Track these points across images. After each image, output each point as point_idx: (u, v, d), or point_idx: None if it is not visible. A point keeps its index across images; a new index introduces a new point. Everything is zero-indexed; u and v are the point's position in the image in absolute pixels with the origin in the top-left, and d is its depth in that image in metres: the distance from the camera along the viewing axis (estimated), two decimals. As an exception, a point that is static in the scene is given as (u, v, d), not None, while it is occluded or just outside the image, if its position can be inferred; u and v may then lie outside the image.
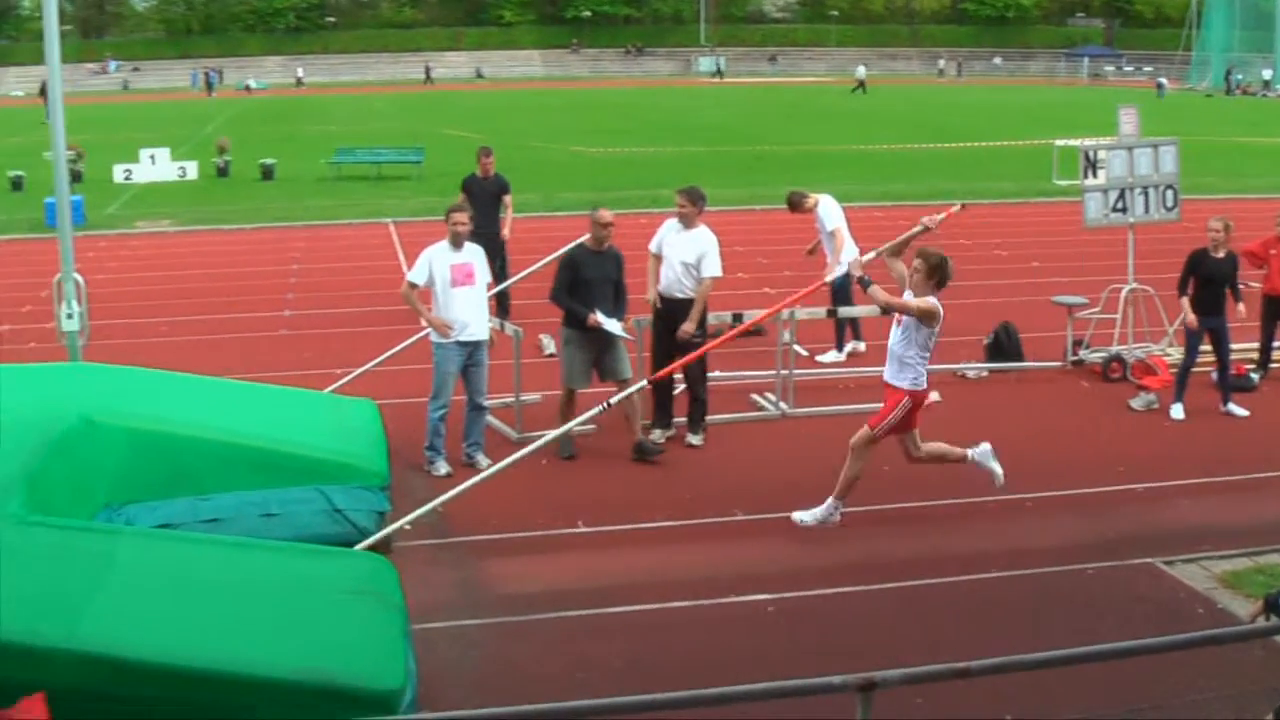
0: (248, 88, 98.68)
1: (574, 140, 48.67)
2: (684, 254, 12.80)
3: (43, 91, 68.19)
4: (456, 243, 12.31)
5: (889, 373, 10.46)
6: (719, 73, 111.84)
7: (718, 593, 9.58)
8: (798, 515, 10.77)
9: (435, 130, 53.10)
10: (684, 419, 13.33)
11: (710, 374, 13.68)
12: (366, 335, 17.27)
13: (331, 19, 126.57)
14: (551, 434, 11.57)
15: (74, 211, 13.69)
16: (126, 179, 37.25)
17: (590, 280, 12.53)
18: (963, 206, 11.38)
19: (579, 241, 12.97)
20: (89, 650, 6.22)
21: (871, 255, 10.77)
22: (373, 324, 18.35)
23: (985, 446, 10.96)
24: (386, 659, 6.71)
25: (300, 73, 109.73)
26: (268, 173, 37.33)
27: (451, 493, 10.18)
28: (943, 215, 10.93)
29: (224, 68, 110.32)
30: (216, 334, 18.49)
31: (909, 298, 10.34)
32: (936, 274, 10.19)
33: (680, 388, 13.45)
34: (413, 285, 12.34)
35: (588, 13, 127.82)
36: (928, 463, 10.94)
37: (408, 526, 9.87)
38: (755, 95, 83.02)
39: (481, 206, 17.31)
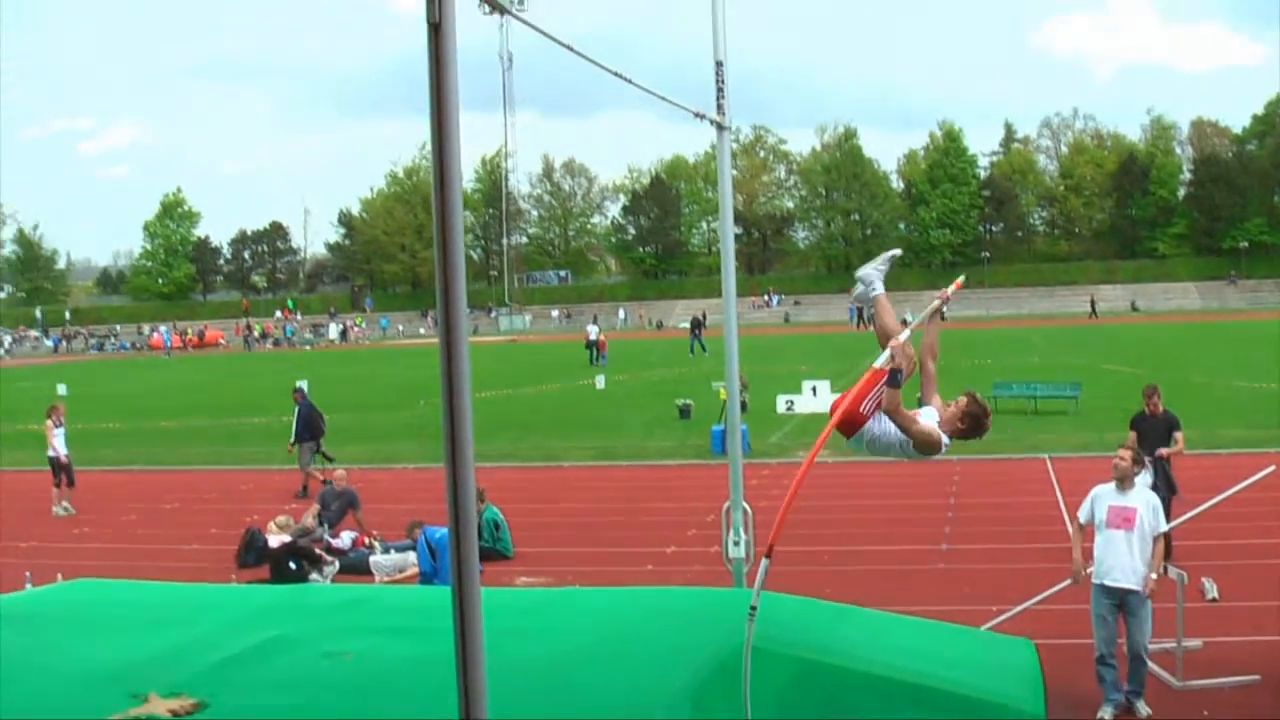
0: (904, 321, 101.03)
1: (1234, 374, 46.64)
2: None
3: (694, 326, 73.20)
4: (1120, 482, 12.11)
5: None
6: None
7: None
8: None
9: (1092, 364, 52.33)
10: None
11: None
12: (1024, 572, 17.08)
13: (986, 254, 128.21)
14: None
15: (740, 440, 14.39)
16: (788, 409, 38.79)
17: None
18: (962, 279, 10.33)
19: None
20: None
21: (906, 336, 9.64)
22: (1030, 561, 18.11)
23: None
24: None
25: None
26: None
27: None
28: (952, 287, 9.92)
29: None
30: (873, 564, 18.77)
31: (929, 416, 9.32)
32: (967, 420, 9.36)
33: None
34: (1080, 523, 12.34)
35: (1245, 243, 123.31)
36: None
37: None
38: None
39: (1152, 445, 17.07)
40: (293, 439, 27.70)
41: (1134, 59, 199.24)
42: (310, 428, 27.57)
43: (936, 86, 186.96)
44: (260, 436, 37.79)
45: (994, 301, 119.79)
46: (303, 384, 29.90)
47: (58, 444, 26.14)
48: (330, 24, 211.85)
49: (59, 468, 26.16)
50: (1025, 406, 37.33)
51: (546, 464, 30.66)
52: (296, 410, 27.80)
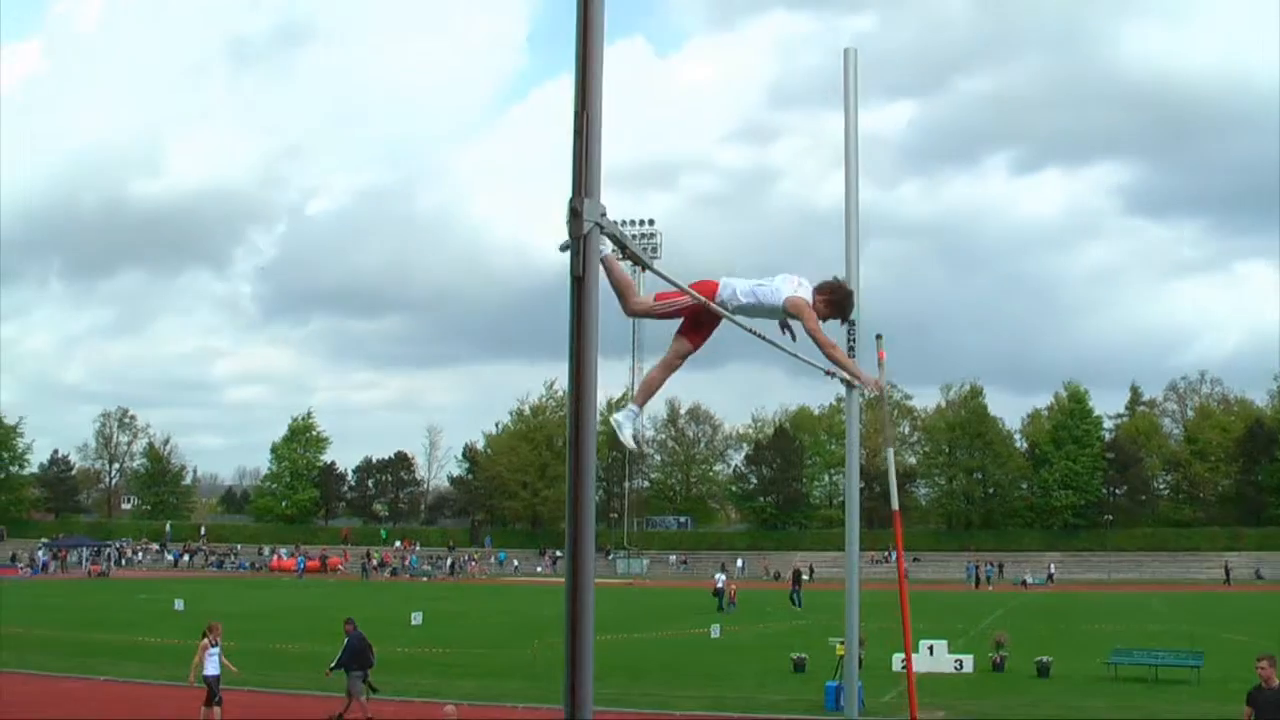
0: (1024, 583, 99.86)
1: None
2: None
3: (795, 578, 73.81)
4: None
5: None
6: None
7: None
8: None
9: (1214, 633, 51.18)
10: None
11: None
12: None
13: (1109, 516, 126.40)
14: None
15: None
16: (904, 667, 38.27)
17: None
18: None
19: None
20: None
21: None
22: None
23: None
24: None
25: (1051, 569, 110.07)
26: (1043, 670, 37.23)
27: None
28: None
29: (1001, 561, 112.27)
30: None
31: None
32: (833, 308, 9.91)
33: None
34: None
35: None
36: None
37: None
38: None
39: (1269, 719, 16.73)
40: (332, 664, 27.51)
41: (1261, 323, 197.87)
42: (359, 659, 27.49)
43: (1062, 347, 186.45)
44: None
45: (1115, 565, 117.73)
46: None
47: (210, 663, 25.87)
48: (469, 262, 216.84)
49: (214, 686, 26.09)
50: (1146, 674, 36.57)
51: (657, 711, 30.41)
52: (346, 641, 27.60)
